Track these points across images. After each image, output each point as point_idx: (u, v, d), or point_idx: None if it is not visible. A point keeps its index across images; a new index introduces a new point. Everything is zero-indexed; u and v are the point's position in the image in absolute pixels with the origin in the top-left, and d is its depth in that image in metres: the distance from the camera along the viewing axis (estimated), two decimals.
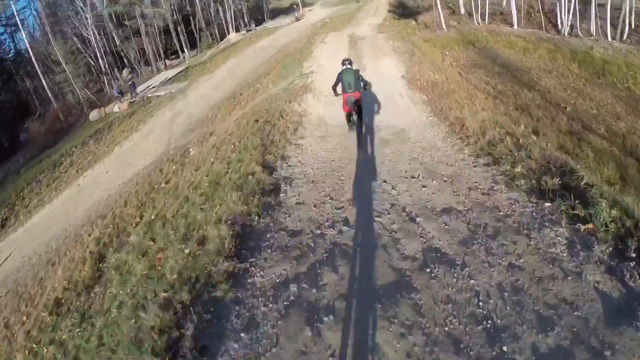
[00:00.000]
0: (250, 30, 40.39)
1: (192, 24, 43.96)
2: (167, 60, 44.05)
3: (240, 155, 7.05)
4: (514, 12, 20.32)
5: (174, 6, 43.99)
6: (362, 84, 6.69)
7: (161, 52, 42.37)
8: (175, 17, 43.27)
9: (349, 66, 6.72)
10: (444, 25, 19.56)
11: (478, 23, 21.29)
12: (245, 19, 47.31)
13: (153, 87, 28.28)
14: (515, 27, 19.99)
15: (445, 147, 6.15)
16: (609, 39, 15.66)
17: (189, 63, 32.29)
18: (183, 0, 45.93)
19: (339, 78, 6.58)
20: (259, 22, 49.92)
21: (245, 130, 8.80)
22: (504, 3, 23.92)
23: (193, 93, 19.20)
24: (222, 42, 40.03)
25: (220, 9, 43.15)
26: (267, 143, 7.25)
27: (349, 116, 6.91)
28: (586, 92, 10.62)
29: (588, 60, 13.08)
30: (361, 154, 6.30)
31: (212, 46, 39.50)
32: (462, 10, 22.96)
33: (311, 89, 10.70)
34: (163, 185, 9.11)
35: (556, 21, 19.24)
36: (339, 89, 6.67)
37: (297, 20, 35.41)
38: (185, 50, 43.39)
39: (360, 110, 6.68)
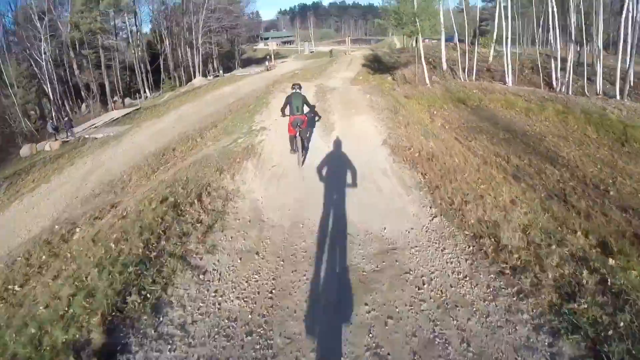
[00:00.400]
0: (218, 76, 38.62)
1: (160, 63, 41.72)
2: (127, 99, 40.95)
3: (91, 285, 3.77)
4: (508, 67, 18.98)
5: (140, 42, 41.85)
6: (308, 107, 7.32)
7: (121, 88, 39.23)
8: (140, 53, 40.95)
9: (298, 90, 7.32)
10: (427, 80, 18.09)
11: (464, 79, 20.14)
12: (215, 64, 45.87)
13: (95, 127, 24.72)
14: (510, 84, 18.70)
15: (480, 300, 3.24)
16: (618, 97, 14.26)
17: (144, 104, 29.37)
18: (154, 38, 44.07)
19: (288, 101, 7.15)
20: (230, 69, 48.72)
21: (139, 218, 5.58)
22: (490, 59, 23.25)
23: (127, 140, 15.90)
24: (186, 85, 37.79)
25: (189, 51, 41.48)
26: (145, 263, 4.01)
27: (292, 139, 7.16)
28: (619, 166, 8.49)
29: (606, 124, 11.18)
30: (322, 314, 3.25)
31: (174, 89, 37.08)
32: (445, 66, 21.99)
33: (256, 152, 7.83)
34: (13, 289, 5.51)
35: (550, 79, 18.28)
36: (287, 111, 7.21)
37: (268, 70, 34.04)
38: (147, 90, 40.63)
39: (306, 134, 7.28)
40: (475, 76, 20.45)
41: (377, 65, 25.59)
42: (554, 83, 17.53)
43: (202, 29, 39.55)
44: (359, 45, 61.88)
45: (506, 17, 19.84)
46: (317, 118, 8.83)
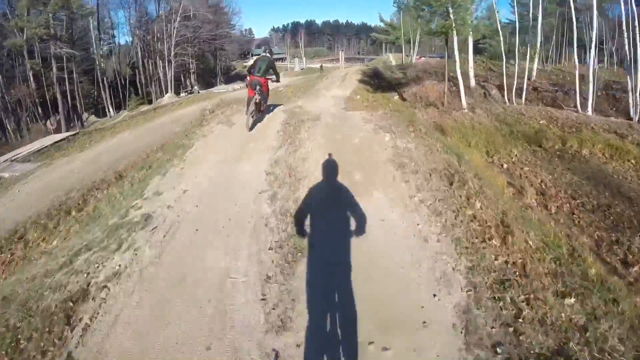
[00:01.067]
0: (192, 92, 33.46)
1: (120, 79, 36.53)
2: (93, 117, 35.51)
3: None
4: (591, 87, 13.69)
5: (110, 52, 36.78)
6: (274, 73, 7.05)
7: (82, 105, 33.75)
8: (116, 66, 35.84)
9: (267, 54, 7.11)
10: (463, 102, 13.05)
11: (508, 101, 15.10)
12: (192, 80, 40.86)
13: (13, 159, 19.03)
14: (590, 112, 13.55)
15: None
16: None
17: (88, 127, 23.95)
18: (129, 50, 39.12)
19: (255, 62, 7.09)
20: (211, 84, 43.81)
21: None
22: (534, 74, 18.38)
23: (9, 195, 10.31)
24: (154, 103, 32.54)
25: (161, 64, 36.43)
26: None
27: (249, 101, 6.83)
28: None
29: None
30: None
31: (139, 106, 31.78)
32: (473, 82, 17.15)
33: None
34: None
35: (619, 104, 13.44)
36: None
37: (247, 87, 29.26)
38: (111, 108, 35.27)
39: (264, 98, 7.03)
40: (525, 98, 15.49)
41: (377, 81, 20.86)
42: (631, 111, 12.69)
43: (175, 38, 34.65)
44: (351, 64, 57.91)
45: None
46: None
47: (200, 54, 43.95)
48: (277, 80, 7.28)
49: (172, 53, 34.58)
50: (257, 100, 6.65)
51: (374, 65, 31.61)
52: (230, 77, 51.96)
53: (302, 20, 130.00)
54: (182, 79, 39.52)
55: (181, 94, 33.18)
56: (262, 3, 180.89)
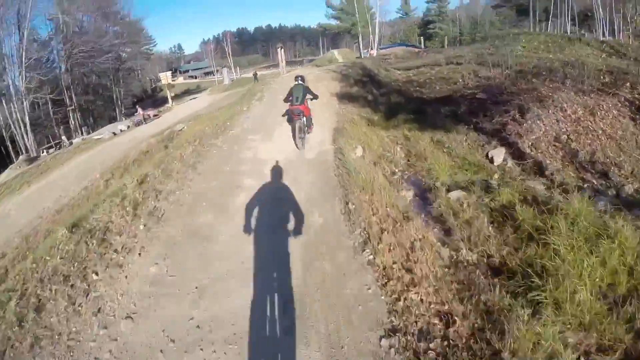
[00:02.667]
0: (60, 146, 21.23)
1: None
2: None
3: None
4: None
5: None
6: (311, 96, 7.52)
7: None
8: None
9: (300, 82, 7.50)
10: None
11: None
12: (77, 121, 28.17)
13: None
14: None
15: None
16: None
17: None
18: None
19: (290, 92, 7.39)
20: (114, 119, 31.67)
21: None
22: None
23: None
24: None
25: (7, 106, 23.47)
26: None
27: (293, 125, 7.41)
28: None
29: None
30: None
31: None
32: None
33: None
34: None
35: None
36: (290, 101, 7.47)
37: (137, 125, 18.01)
38: None
39: (308, 122, 7.43)
40: None
41: (375, 89, 10.96)
42: None
43: (25, 59, 22.20)
44: (291, 67, 47.28)
45: None
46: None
47: (84, 80, 31.46)
48: (316, 98, 7.72)
49: (22, 86, 22.08)
50: (301, 125, 7.09)
51: (353, 61, 21.08)
52: (155, 102, 39.02)
53: (234, 29, 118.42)
54: (55, 126, 26.70)
55: (42, 152, 20.77)
56: (190, 18, 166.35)
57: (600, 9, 26.38)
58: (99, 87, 36.70)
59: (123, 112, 34.08)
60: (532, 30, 29.46)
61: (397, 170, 5.89)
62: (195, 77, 75.11)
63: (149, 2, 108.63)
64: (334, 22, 42.87)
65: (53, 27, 27.58)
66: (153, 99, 49.97)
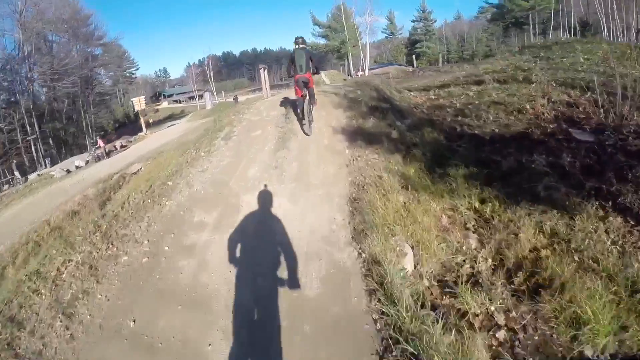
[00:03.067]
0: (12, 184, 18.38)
1: None
2: None
3: None
4: None
5: None
6: (313, 66, 6.55)
7: None
8: None
9: (301, 45, 6.51)
10: None
11: None
12: (38, 153, 25.31)
13: None
14: None
15: None
16: None
17: None
18: None
19: (291, 59, 6.48)
20: (85, 148, 28.87)
21: None
22: None
23: None
24: None
25: None
26: None
27: (300, 103, 6.52)
28: None
29: None
30: None
31: None
32: None
33: None
34: None
35: None
36: (292, 71, 6.53)
37: (98, 160, 15.40)
38: None
39: (311, 96, 6.54)
40: None
41: (389, 123, 7.92)
42: None
43: None
44: (277, 91, 45.32)
45: None
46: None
47: (53, 106, 28.78)
48: (317, 73, 6.98)
49: None
50: (309, 106, 6.32)
51: (364, 80, 17.09)
52: (136, 128, 35.83)
53: (219, 53, 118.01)
54: (12, 157, 23.78)
55: None
56: (176, 41, 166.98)
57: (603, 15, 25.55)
58: (74, 112, 33.95)
59: (93, 141, 31.19)
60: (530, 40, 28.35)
61: (493, 309, 2.91)
62: (180, 102, 72.99)
63: (133, 23, 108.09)
64: (322, 40, 41.41)
65: (15, 46, 25.19)
66: (136, 125, 47.04)
